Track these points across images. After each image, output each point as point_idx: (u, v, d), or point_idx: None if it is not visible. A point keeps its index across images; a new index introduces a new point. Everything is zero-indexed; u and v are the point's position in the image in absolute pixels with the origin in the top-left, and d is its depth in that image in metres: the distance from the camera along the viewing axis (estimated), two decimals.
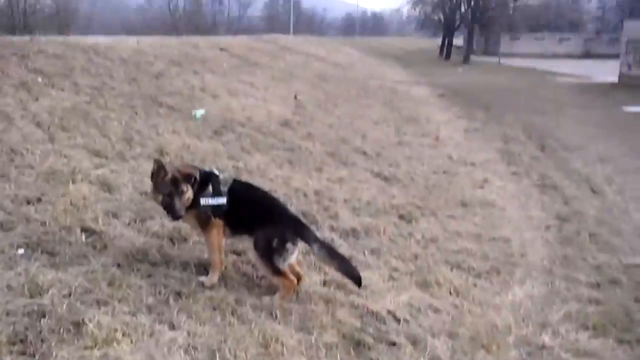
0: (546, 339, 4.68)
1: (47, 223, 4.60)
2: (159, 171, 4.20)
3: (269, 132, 9.71)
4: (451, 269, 5.88)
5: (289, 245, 4.33)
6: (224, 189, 4.37)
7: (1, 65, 7.89)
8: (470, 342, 4.48)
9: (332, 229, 6.22)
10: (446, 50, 57.98)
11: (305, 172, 8.16)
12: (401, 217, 7.16)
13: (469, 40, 56.93)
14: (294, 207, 6.56)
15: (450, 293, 5.33)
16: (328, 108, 14.33)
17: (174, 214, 4.21)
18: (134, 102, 8.69)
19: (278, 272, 4.32)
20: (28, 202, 4.87)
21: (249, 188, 4.79)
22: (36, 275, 3.79)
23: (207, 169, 4.63)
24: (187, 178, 4.21)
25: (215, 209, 4.35)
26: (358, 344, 4.10)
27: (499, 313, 5.13)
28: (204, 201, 4.30)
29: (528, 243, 6.99)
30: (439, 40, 67.14)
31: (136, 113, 8.24)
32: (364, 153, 10.28)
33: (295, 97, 13.93)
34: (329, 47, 38.04)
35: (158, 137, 7.64)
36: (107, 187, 5.65)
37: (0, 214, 4.53)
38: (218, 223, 4.40)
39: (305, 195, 7.12)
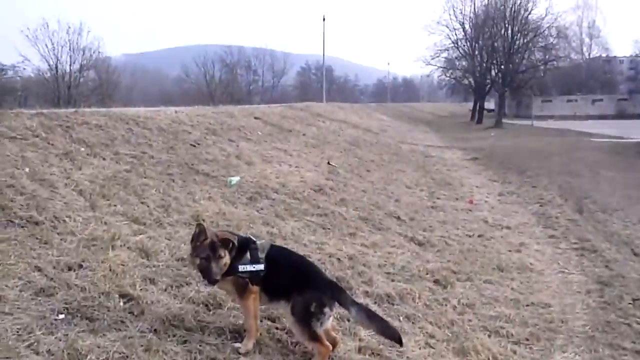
0: None
1: (87, 289, 4.69)
2: (199, 235, 4.28)
3: (303, 198, 9.82)
4: (489, 336, 5.76)
5: (326, 309, 4.33)
6: (262, 255, 4.41)
7: (48, 136, 8.25)
8: None
9: (366, 294, 6.18)
10: (477, 114, 58.36)
11: (338, 238, 8.18)
12: (436, 282, 7.07)
13: (500, 104, 57.31)
14: (328, 272, 6.56)
15: None
16: (361, 173, 14.45)
17: (209, 278, 4.26)
18: (171, 169, 8.94)
19: (315, 337, 4.30)
20: (69, 268, 4.99)
21: (285, 254, 4.85)
22: (75, 340, 3.85)
23: (244, 235, 4.71)
24: (225, 243, 4.28)
25: (253, 275, 4.38)
26: None
27: None
28: (242, 268, 4.34)
29: (568, 308, 6.81)
30: (470, 105, 67.75)
31: (173, 180, 8.46)
32: (398, 218, 10.28)
33: (329, 163, 14.11)
34: (361, 113, 38.69)
35: (194, 203, 7.80)
36: (144, 253, 5.76)
37: (43, 280, 4.65)
38: (255, 289, 4.42)
39: (339, 260, 7.12)
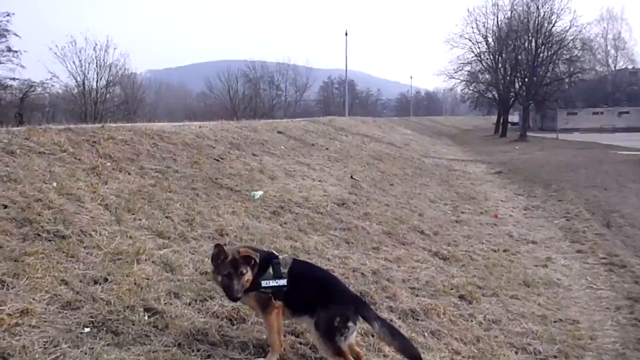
0: None
1: (112, 302, 4.73)
2: (219, 254, 4.31)
3: (326, 212, 9.81)
4: (516, 353, 5.67)
5: (350, 324, 4.31)
6: (284, 270, 4.41)
7: (75, 151, 8.38)
8: None
9: (390, 309, 6.13)
10: (502, 127, 57.89)
11: (362, 252, 8.14)
12: (461, 297, 6.99)
13: (524, 117, 56.82)
14: (352, 287, 6.52)
15: None
16: (384, 187, 14.40)
17: (231, 295, 4.27)
18: (195, 184, 9.01)
19: (339, 352, 4.27)
20: (95, 282, 5.04)
21: (309, 268, 4.85)
22: (101, 354, 3.88)
23: (266, 250, 4.73)
24: (246, 260, 4.29)
25: (276, 290, 4.38)
26: None
27: None
28: (265, 283, 4.35)
29: (597, 325, 6.67)
30: (493, 118, 67.24)
31: (197, 195, 8.52)
32: (422, 232, 10.21)
33: (352, 177, 14.10)
34: (383, 127, 38.68)
35: (218, 217, 7.84)
36: (169, 267, 5.80)
37: (69, 293, 4.70)
38: (278, 305, 4.41)
39: (362, 275, 7.08)
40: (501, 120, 59.10)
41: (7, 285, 4.53)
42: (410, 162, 22.22)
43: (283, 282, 4.37)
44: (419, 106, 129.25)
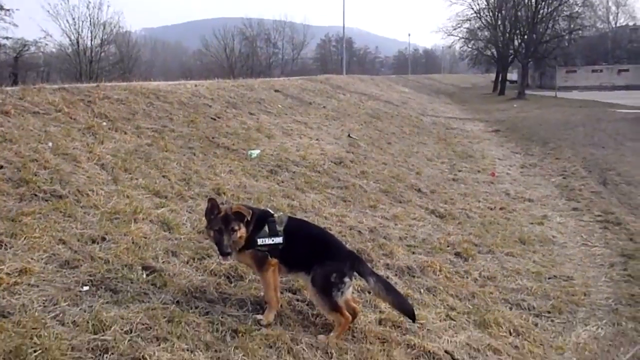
0: None
1: (110, 261, 4.76)
2: (212, 209, 4.35)
3: (323, 171, 9.81)
4: (510, 308, 5.76)
5: (346, 279, 4.38)
6: (280, 228, 4.44)
7: (70, 111, 8.31)
8: None
9: (387, 267, 6.19)
10: (500, 85, 57.38)
11: (359, 210, 8.18)
12: (457, 254, 7.06)
13: (523, 75, 56.28)
14: (349, 245, 6.57)
15: (510, 333, 5.21)
16: (382, 146, 14.37)
17: (221, 250, 4.31)
18: (192, 143, 8.97)
19: (335, 307, 4.34)
20: (93, 241, 5.06)
21: (304, 226, 4.88)
22: (100, 312, 3.92)
23: (262, 208, 4.76)
24: (238, 217, 4.31)
25: (272, 248, 4.42)
26: None
27: (562, 355, 4.97)
28: (260, 241, 4.38)
29: (591, 281, 6.76)
30: (492, 76, 66.67)
31: (194, 154, 8.49)
32: (419, 190, 10.23)
33: (349, 136, 14.05)
34: (381, 86, 38.37)
35: (215, 177, 7.84)
36: (166, 226, 5.82)
37: (67, 253, 4.72)
38: (274, 262, 4.46)
39: (359, 233, 7.12)
40: (500, 78, 58.53)
41: (5, 245, 4.55)
42: (408, 120, 22.12)
43: (279, 239, 4.40)
44: (417, 64, 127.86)
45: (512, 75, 67.31)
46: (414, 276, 6.11)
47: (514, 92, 52.01)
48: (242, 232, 4.33)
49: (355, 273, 4.47)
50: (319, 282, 4.35)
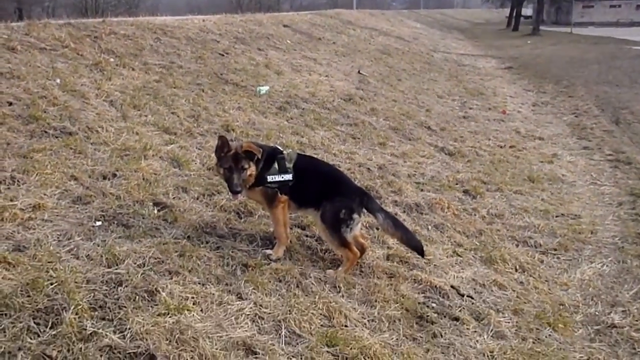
0: (616, 318, 4.58)
1: (122, 197, 4.82)
2: (222, 147, 4.32)
3: (333, 108, 9.74)
4: (517, 246, 5.82)
5: (355, 215, 4.42)
6: (290, 165, 4.45)
7: (77, 47, 8.22)
8: (536, 319, 4.44)
9: (395, 203, 6.24)
10: (514, 21, 55.92)
11: (368, 147, 8.17)
12: (466, 192, 7.08)
13: (538, 10, 54.64)
14: (358, 181, 6.61)
15: (516, 270, 5.28)
16: (392, 82, 14.20)
17: (231, 188, 4.32)
18: (200, 79, 8.90)
19: (344, 243, 4.41)
20: (104, 177, 5.11)
21: (313, 163, 4.87)
22: (113, 246, 4.00)
23: (272, 145, 4.72)
24: (249, 155, 4.31)
25: (282, 185, 4.44)
26: (421, 318, 4.15)
27: (567, 291, 5.05)
28: (270, 178, 4.40)
29: (599, 220, 6.79)
30: (506, 11, 64.89)
31: (203, 90, 8.44)
32: (428, 128, 10.18)
33: (359, 72, 13.87)
34: (392, 21, 37.51)
35: (224, 113, 7.81)
36: (176, 162, 5.86)
37: (79, 189, 4.78)
38: (284, 199, 4.49)
39: (368, 170, 7.14)
40: (514, 14, 56.97)
41: (18, 181, 4.60)
42: (419, 56, 21.75)
43: (288, 176, 4.42)
44: None
45: (527, 11, 65.45)
46: (422, 213, 6.16)
47: (528, 28, 50.72)
48: (252, 170, 4.33)
49: (364, 210, 4.51)
50: (328, 219, 4.39)
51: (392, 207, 6.08)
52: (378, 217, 4.54)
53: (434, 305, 4.36)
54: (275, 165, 4.42)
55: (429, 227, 5.85)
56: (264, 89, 9.45)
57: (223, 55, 10.95)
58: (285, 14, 24.21)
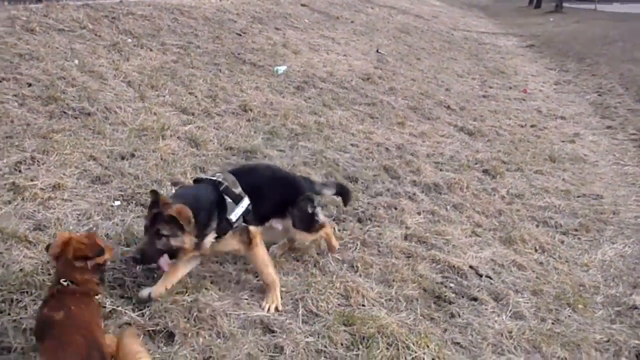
0: (637, 299, 4.51)
1: (140, 177, 4.85)
2: (151, 205, 3.35)
3: (351, 87, 9.67)
4: (537, 226, 5.75)
5: (316, 204, 4.13)
6: (237, 190, 3.64)
7: (95, 28, 8.23)
8: (555, 300, 4.40)
9: (414, 183, 6.19)
10: None
11: (387, 127, 8.11)
12: (485, 172, 7.01)
13: None
14: (376, 161, 6.59)
15: (536, 250, 5.23)
16: (411, 61, 14.04)
17: (140, 258, 3.33)
18: (218, 59, 8.87)
19: (320, 227, 4.18)
20: (122, 158, 5.14)
21: (256, 174, 4.06)
22: (131, 225, 4.04)
23: (210, 181, 3.70)
24: (173, 220, 3.26)
25: (245, 215, 3.64)
26: (439, 298, 4.13)
27: (587, 272, 5.00)
28: (234, 217, 3.56)
29: (621, 200, 6.69)
30: None
31: (220, 70, 8.42)
32: (448, 107, 10.06)
33: (377, 51, 13.73)
34: None
35: (242, 93, 7.80)
36: (194, 142, 5.87)
37: (98, 169, 4.81)
38: (257, 231, 3.74)
39: (387, 149, 7.10)
40: None
41: (38, 161, 4.64)
42: (438, 35, 21.45)
43: (246, 201, 3.63)
44: None
45: None
46: (440, 193, 6.10)
47: (551, 5, 49.76)
48: (180, 242, 3.31)
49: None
50: (300, 223, 3.99)
51: (411, 187, 6.04)
52: (323, 193, 4.45)
53: (452, 285, 4.34)
54: (227, 199, 3.57)
55: (448, 207, 5.80)
56: (282, 68, 9.40)
57: (240, 35, 10.90)
58: None
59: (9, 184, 4.24)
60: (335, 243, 4.42)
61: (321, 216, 4.20)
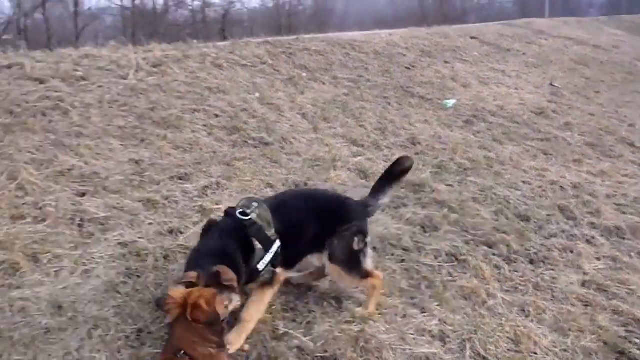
0: None
1: None
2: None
3: (522, 122, 9.31)
4: None
5: (368, 237, 3.65)
6: (271, 232, 3.25)
7: (274, 63, 8.82)
8: None
9: (592, 226, 5.76)
10: None
11: (562, 164, 7.66)
12: None
13: None
14: (550, 200, 6.26)
15: None
16: (588, 95, 13.18)
17: None
18: (387, 93, 9.04)
19: (367, 273, 3.62)
20: (296, 186, 5.41)
21: (294, 201, 3.67)
22: None
23: (229, 222, 3.27)
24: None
25: (274, 259, 3.25)
26: (622, 354, 3.78)
27: None
28: (261, 265, 3.17)
29: None
30: None
31: (389, 104, 8.56)
32: (632, 144, 9.26)
33: (551, 84, 13.10)
34: (589, 29, 34.87)
35: (410, 126, 7.85)
36: (363, 174, 6.02)
37: None
38: (283, 274, 3.38)
39: (561, 188, 6.70)
40: None
41: (222, 186, 5.05)
42: (620, 66, 19.93)
43: (277, 244, 3.24)
44: (632, 2, 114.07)
45: None
46: (623, 238, 5.60)
47: None
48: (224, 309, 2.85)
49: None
50: (340, 258, 3.48)
51: (589, 230, 5.62)
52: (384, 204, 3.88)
53: (637, 340, 3.94)
54: (256, 244, 3.18)
55: (632, 254, 5.29)
56: (450, 102, 9.33)
57: (409, 68, 11.02)
58: (472, 25, 23.70)
59: (198, 206, 4.65)
60: (373, 308, 3.68)
61: (369, 260, 3.63)
